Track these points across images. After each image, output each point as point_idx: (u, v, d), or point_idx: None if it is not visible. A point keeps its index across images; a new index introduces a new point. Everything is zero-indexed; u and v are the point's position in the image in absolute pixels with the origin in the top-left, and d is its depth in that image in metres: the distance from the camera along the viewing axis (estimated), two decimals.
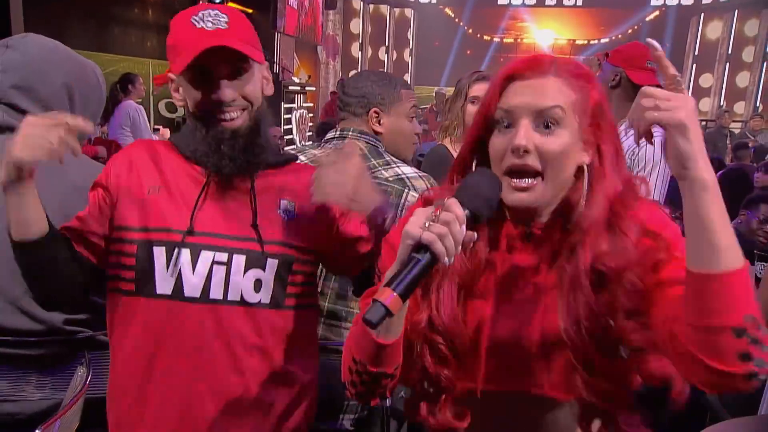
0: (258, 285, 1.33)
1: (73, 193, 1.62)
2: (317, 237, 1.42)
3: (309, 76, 13.90)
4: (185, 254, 1.31)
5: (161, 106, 10.10)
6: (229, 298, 1.32)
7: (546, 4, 19.33)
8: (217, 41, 1.24)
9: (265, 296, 1.34)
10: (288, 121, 10.96)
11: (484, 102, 1.19)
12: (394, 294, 0.95)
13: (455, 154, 3.06)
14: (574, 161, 1.13)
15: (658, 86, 3.54)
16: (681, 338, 0.95)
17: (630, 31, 18.76)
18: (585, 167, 1.13)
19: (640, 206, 1.13)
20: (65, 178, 1.66)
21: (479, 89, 3.08)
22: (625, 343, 1.09)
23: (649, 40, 1.15)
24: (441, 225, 0.97)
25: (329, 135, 2.17)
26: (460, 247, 0.99)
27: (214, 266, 1.31)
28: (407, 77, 18.59)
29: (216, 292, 1.31)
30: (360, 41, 18.17)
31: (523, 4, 19.44)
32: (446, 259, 0.98)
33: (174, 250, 1.31)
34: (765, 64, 17.04)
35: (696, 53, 18.27)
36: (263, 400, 1.36)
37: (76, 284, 1.43)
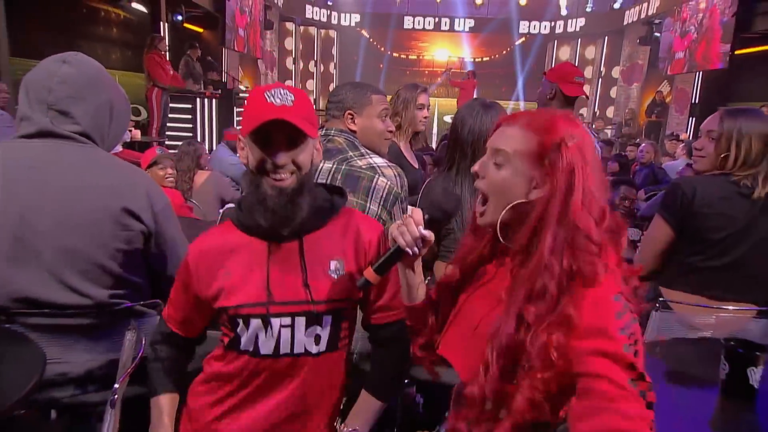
0: (318, 339, 1.33)
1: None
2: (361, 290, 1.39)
3: (247, 87, 13.44)
4: (258, 323, 1.30)
5: None
6: (295, 351, 1.32)
7: (441, 29, 19.54)
8: (278, 115, 1.21)
9: (323, 346, 1.34)
10: (239, 123, 10.60)
11: (487, 138, 1.21)
12: (370, 269, 1.16)
13: (404, 152, 3.10)
14: (516, 194, 1.08)
15: (585, 96, 3.57)
16: None
17: (504, 52, 19.33)
18: (520, 202, 1.07)
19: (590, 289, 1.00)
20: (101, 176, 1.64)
21: (423, 98, 3.15)
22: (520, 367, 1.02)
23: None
24: (403, 225, 1.12)
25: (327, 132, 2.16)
26: (418, 242, 1.13)
27: (281, 329, 1.30)
28: (332, 86, 18.55)
29: (285, 349, 1.31)
30: (293, 56, 17.88)
31: (424, 29, 19.65)
32: (407, 249, 1.12)
33: (249, 320, 1.30)
34: (600, 80, 17.95)
35: None
36: (322, 417, 1.41)
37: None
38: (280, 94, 1.25)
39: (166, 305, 1.46)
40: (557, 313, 0.98)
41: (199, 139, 8.81)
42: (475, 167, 1.14)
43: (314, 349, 1.33)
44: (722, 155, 2.05)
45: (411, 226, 1.10)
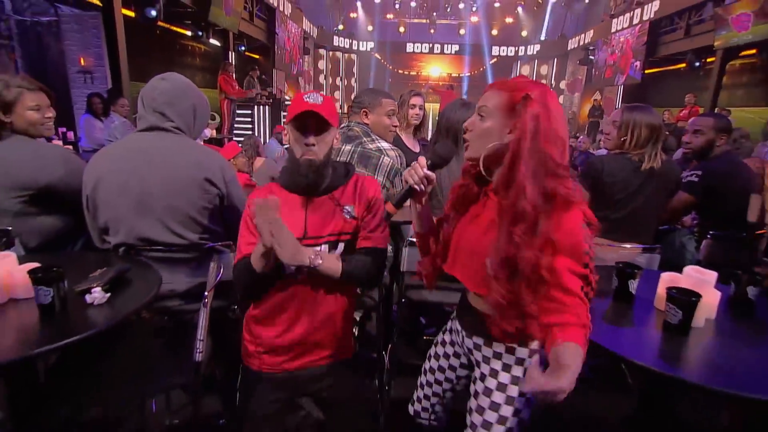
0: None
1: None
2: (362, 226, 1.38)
3: (290, 97, 13.36)
4: None
5: None
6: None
7: (434, 52, 19.13)
8: (311, 108, 1.24)
9: None
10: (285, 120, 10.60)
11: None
12: (390, 203, 1.13)
13: (405, 140, 3.01)
14: (494, 138, 1.05)
15: None
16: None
17: (481, 69, 18.91)
18: (502, 143, 1.04)
19: (561, 210, 0.97)
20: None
21: (415, 100, 3.04)
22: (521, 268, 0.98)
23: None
24: (412, 170, 1.09)
25: (343, 125, 2.15)
26: (424, 180, 1.09)
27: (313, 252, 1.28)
28: (353, 95, 18.27)
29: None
30: (324, 73, 17.62)
31: (421, 52, 19.23)
32: (416, 186, 1.09)
33: None
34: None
35: None
36: (337, 312, 1.38)
37: None
38: (313, 96, 1.28)
39: (236, 251, 1.38)
40: (541, 236, 0.95)
41: (256, 134, 8.86)
42: (466, 124, 1.10)
43: None
44: (622, 138, 2.06)
45: (417, 169, 1.08)
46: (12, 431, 1.23)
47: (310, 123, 1.27)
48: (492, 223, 1.06)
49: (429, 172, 1.10)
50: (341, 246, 1.35)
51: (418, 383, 1.43)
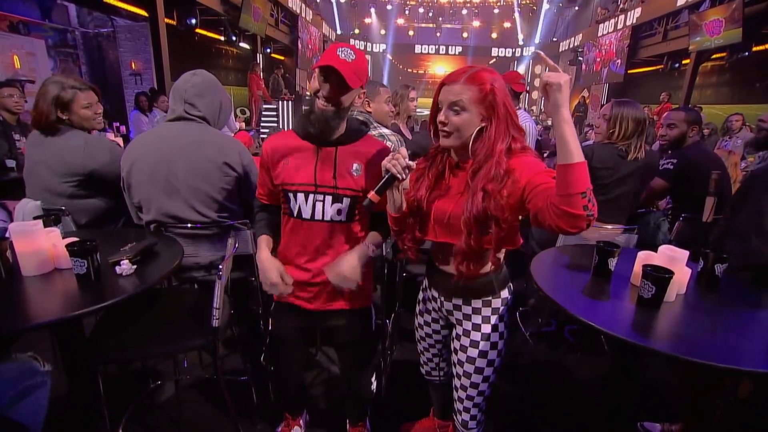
0: (339, 212, 1.25)
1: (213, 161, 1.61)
2: (368, 184, 1.26)
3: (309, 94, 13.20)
4: (301, 197, 1.24)
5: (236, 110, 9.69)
6: (325, 219, 1.25)
7: (440, 53, 18.74)
8: (334, 63, 1.09)
9: (343, 216, 1.26)
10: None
11: (434, 96, 1.09)
12: (373, 193, 1.02)
13: (401, 128, 2.88)
14: (474, 126, 1.04)
15: (527, 92, 3.45)
16: (551, 201, 0.89)
17: None
18: (479, 129, 1.04)
19: (516, 156, 1.03)
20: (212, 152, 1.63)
21: (413, 94, 2.91)
22: (490, 221, 1.03)
23: (538, 51, 1.08)
24: (394, 159, 1.02)
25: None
26: (406, 170, 1.02)
27: (316, 203, 1.24)
28: None
29: (318, 216, 1.25)
30: None
31: (428, 53, 18.86)
32: (398, 175, 1.01)
33: (296, 194, 1.24)
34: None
35: None
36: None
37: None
38: (346, 51, 1.12)
39: (257, 189, 1.36)
40: (504, 185, 1.00)
41: (280, 127, 8.81)
42: (441, 118, 1.05)
43: (337, 218, 1.25)
44: (610, 131, 1.98)
45: (400, 159, 1.01)
46: (67, 382, 1.24)
47: (332, 78, 1.12)
48: (459, 192, 1.09)
49: (410, 162, 1.03)
50: (346, 201, 1.24)
51: (419, 350, 1.45)
